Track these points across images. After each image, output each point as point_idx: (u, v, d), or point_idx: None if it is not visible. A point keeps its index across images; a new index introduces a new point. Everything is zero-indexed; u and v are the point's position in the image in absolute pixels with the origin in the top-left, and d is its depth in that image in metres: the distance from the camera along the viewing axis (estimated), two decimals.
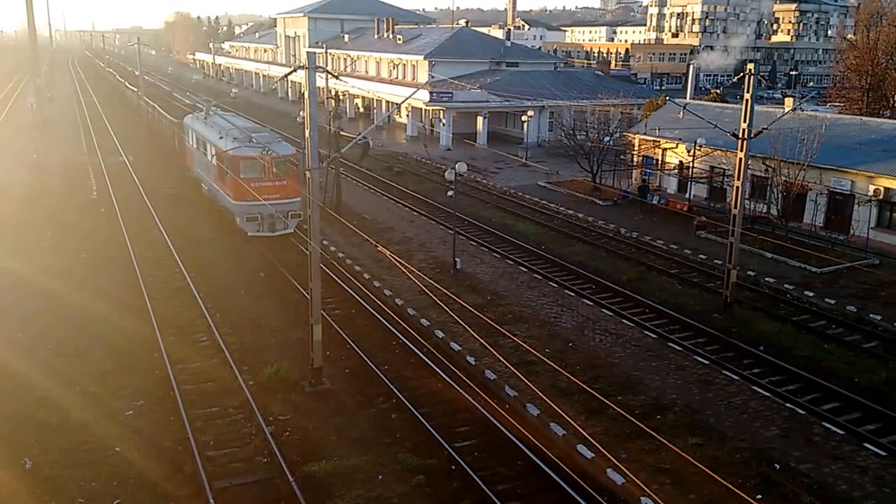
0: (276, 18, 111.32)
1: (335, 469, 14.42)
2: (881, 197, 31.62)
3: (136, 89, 62.40)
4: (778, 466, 14.91)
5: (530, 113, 55.48)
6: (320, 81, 46.21)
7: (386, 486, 13.97)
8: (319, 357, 17.76)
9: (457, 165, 34.09)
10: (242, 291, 24.04)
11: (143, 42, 78.23)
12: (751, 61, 23.73)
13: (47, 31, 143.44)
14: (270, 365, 18.25)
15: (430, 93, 56.24)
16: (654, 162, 42.79)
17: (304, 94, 17.40)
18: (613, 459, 13.14)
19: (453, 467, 14.64)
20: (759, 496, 13.72)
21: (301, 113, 41.53)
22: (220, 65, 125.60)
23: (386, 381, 17.90)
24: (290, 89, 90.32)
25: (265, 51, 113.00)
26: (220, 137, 29.33)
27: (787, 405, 17.57)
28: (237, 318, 21.76)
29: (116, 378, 17.77)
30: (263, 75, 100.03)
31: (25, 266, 25.15)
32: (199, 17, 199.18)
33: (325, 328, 18.28)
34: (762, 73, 31.14)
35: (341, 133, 48.78)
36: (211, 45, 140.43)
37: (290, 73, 18.00)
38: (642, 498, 13.33)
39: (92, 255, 27.32)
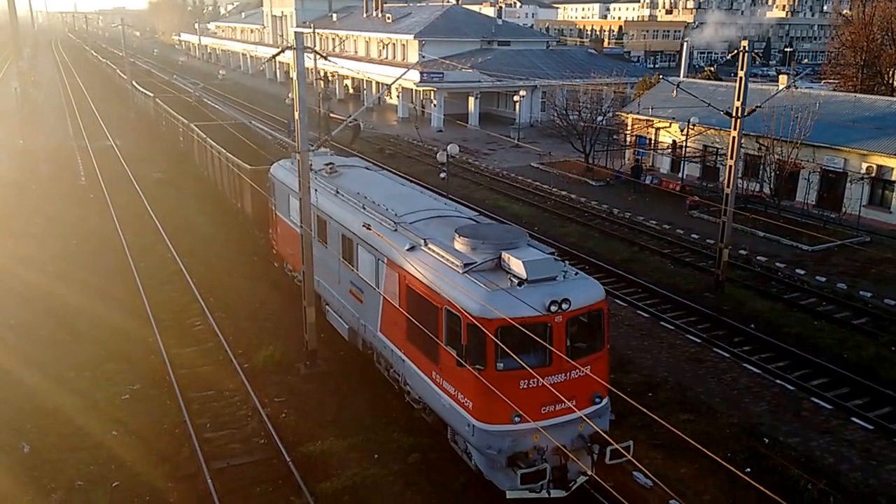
0: None
1: (331, 449, 14.57)
2: (874, 175, 31.78)
3: (158, 100, 47.25)
4: (767, 440, 15.15)
5: (522, 93, 55.26)
6: (309, 62, 44.87)
7: (382, 465, 14.12)
8: (314, 339, 17.85)
9: (448, 147, 34.11)
10: (236, 276, 24.02)
11: (127, 23, 77.29)
12: (745, 38, 23.66)
13: (28, 12, 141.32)
14: (265, 348, 18.38)
15: (421, 73, 55.95)
16: (648, 141, 42.79)
17: (292, 75, 17.28)
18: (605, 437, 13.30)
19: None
20: (748, 469, 13.95)
21: (290, 95, 41.29)
22: (206, 46, 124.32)
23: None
24: (278, 70, 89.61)
25: (252, 31, 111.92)
26: (413, 247, 14.31)
27: (777, 381, 17.81)
28: (231, 302, 21.79)
29: (111, 363, 17.83)
30: (251, 56, 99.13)
31: (14, 253, 25.15)
32: None
33: (319, 310, 18.35)
34: (756, 50, 31.07)
35: (331, 115, 48.72)
36: (196, 25, 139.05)
37: (277, 55, 17.91)
38: (633, 472, 13.54)
39: (82, 241, 27.26)
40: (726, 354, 19.23)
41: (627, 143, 43.91)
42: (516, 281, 12.29)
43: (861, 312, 22.67)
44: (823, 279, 25.32)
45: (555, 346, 12.01)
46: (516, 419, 12.09)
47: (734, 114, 23.22)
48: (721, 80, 54.82)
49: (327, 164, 19.87)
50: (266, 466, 14.07)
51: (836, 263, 27.05)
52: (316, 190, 17.98)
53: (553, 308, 11.98)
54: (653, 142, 42.45)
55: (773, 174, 32.45)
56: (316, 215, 18.04)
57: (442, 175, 36.07)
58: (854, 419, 16.23)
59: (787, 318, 22.05)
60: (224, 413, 15.92)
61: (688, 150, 38.70)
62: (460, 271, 12.74)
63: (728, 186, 23.90)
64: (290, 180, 19.97)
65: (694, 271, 26.12)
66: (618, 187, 38.36)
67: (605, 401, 13.06)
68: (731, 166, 23.80)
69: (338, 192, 17.96)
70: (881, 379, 18.34)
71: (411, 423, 15.29)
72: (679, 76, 53.49)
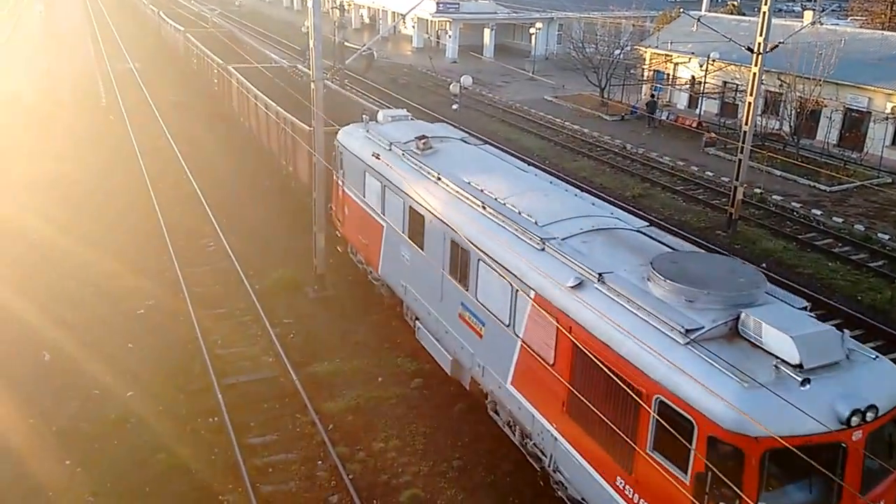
0: None
1: (337, 370, 14.83)
2: None
3: (189, 35, 41.44)
4: None
5: (539, 25, 53.90)
6: None
7: (385, 388, 14.37)
8: (323, 264, 17.98)
9: (461, 78, 33.61)
10: (249, 199, 24.08)
11: None
12: None
13: None
14: (276, 270, 18.57)
15: (437, 3, 54.54)
16: (666, 77, 41.86)
17: (308, 3, 16.77)
18: None
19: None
20: None
21: (306, 23, 40.38)
22: None
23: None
24: None
25: None
26: (581, 283, 9.95)
27: None
28: (243, 224, 21.91)
29: (127, 279, 18.07)
30: None
31: (35, 171, 25.41)
32: None
33: (328, 236, 18.39)
34: None
35: (346, 44, 47.81)
36: None
37: None
38: None
39: (101, 161, 27.42)
40: None
41: (644, 78, 42.96)
42: (791, 374, 7.65)
43: (878, 255, 22.37)
44: (840, 220, 25.03)
45: (847, 476, 7.77)
46: None
47: (756, 49, 22.55)
48: (744, 14, 53.13)
49: (419, 138, 15.21)
50: (273, 384, 14.35)
51: (855, 204, 26.70)
52: (404, 174, 14.41)
53: (854, 420, 7.59)
54: (671, 77, 41.52)
55: (793, 112, 31.76)
56: (408, 206, 14.24)
57: (454, 106, 35.62)
58: None
59: (801, 259, 21.86)
60: (234, 331, 16.17)
61: (707, 85, 37.83)
62: (680, 340, 8.37)
63: (746, 123, 23.42)
64: (365, 153, 16.15)
65: (706, 209, 25.88)
66: (632, 122, 37.74)
67: None
68: (750, 103, 23.25)
69: (440, 179, 13.66)
70: None
71: (415, 350, 15.48)
72: (701, 10, 51.86)
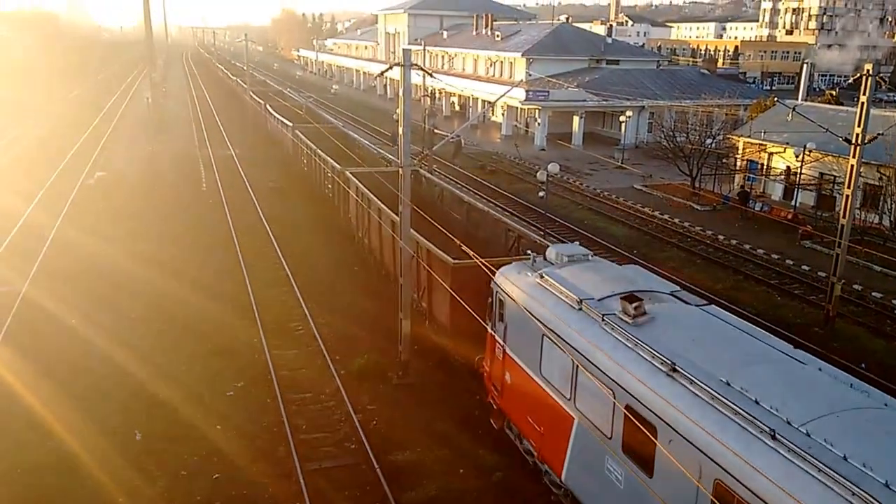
0: (377, 15, 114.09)
1: (418, 459, 14.90)
2: None
3: (298, 132, 40.59)
4: None
5: (629, 113, 54.42)
6: (416, 79, 45.90)
7: (466, 480, 14.29)
8: (408, 350, 18.32)
9: (549, 166, 34.18)
10: (337, 283, 24.99)
11: (251, 39, 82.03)
12: (870, 61, 22.51)
13: (163, 26, 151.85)
14: (361, 356, 19.01)
15: (526, 91, 56.11)
16: (759, 167, 41.14)
17: (399, 91, 17.78)
18: None
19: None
20: None
21: (397, 110, 42.32)
22: (322, 62, 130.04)
23: (469, 377, 18.19)
24: (388, 86, 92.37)
25: (366, 48, 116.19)
26: None
27: None
28: (331, 309, 22.64)
29: (219, 359, 18.96)
30: (363, 72, 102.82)
31: (136, 251, 27.20)
32: (304, 14, 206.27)
33: (414, 321, 18.77)
34: (882, 75, 29.38)
35: (435, 131, 49.75)
36: (314, 41, 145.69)
37: (385, 71, 18.54)
38: None
39: (199, 242, 29.18)
40: None
41: (737, 168, 42.34)
42: None
43: None
44: None
45: None
46: None
47: (854, 140, 22.07)
48: (842, 104, 51.94)
49: (628, 300, 11.09)
50: (355, 471, 14.53)
51: None
52: (611, 354, 10.53)
53: None
54: (765, 167, 40.76)
55: (893, 206, 30.45)
56: (623, 404, 10.15)
57: (541, 194, 36.10)
58: None
59: None
60: (319, 416, 16.57)
61: (802, 177, 36.89)
62: None
63: (844, 217, 22.69)
64: (540, 309, 12.37)
65: (802, 304, 24.89)
66: (724, 213, 37.04)
67: None
68: (848, 195, 22.59)
69: (675, 371, 9.63)
70: None
71: (497, 441, 15.39)
72: (797, 99, 51.11)
